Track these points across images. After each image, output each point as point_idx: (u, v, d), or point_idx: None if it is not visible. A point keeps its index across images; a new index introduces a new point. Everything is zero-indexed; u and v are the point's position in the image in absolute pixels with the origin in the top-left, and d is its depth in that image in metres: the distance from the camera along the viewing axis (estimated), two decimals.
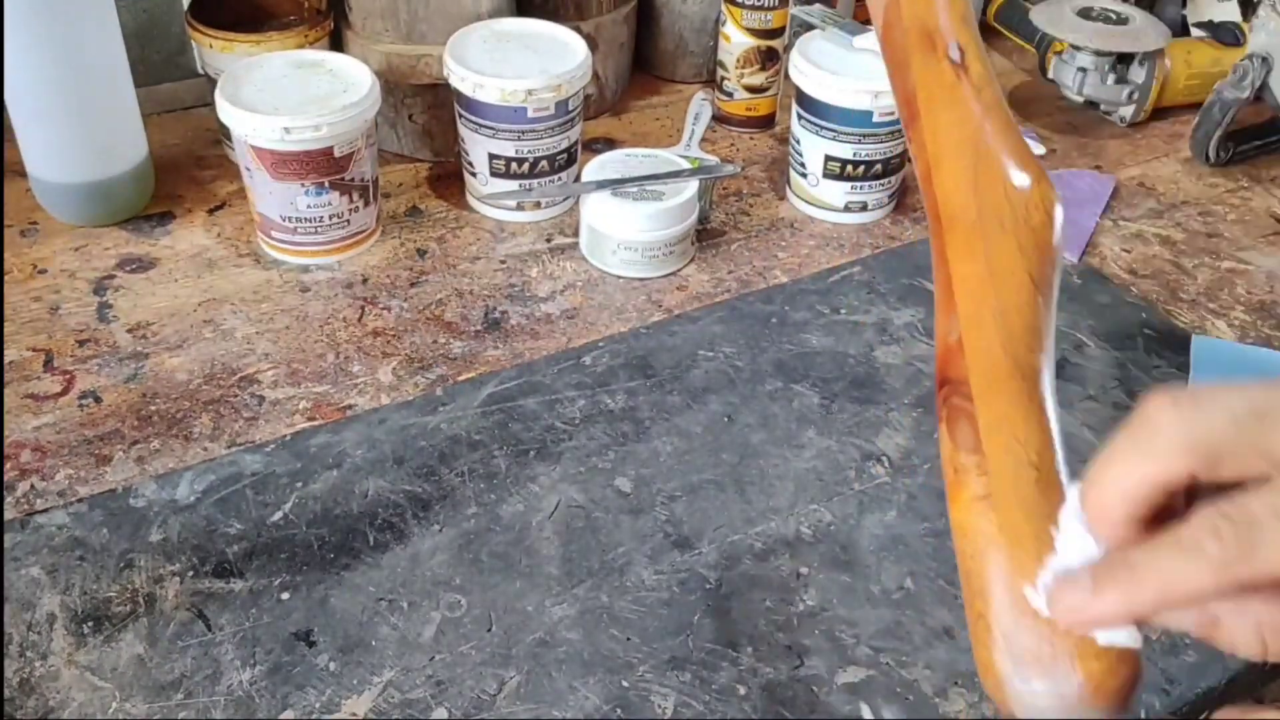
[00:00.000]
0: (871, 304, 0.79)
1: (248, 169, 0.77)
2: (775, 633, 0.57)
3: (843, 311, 0.78)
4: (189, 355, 0.72)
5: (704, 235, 0.85)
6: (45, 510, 0.61)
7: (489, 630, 0.56)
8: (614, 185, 0.79)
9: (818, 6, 0.95)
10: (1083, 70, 0.99)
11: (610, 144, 0.95)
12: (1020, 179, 0.35)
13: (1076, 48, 0.98)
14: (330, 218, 0.78)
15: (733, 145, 0.98)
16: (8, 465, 0.64)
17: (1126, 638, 0.31)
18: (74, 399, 0.68)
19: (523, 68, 0.81)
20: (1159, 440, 0.30)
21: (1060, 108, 1.05)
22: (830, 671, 0.55)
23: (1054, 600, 0.31)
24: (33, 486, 0.63)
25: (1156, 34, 0.98)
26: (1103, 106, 1.03)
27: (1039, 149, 0.98)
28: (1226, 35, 1.04)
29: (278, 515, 0.61)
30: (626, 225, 0.79)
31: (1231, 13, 1.09)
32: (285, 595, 0.57)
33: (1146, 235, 0.89)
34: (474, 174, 0.85)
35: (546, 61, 0.82)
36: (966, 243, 0.35)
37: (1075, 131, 1.02)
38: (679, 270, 0.82)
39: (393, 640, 0.55)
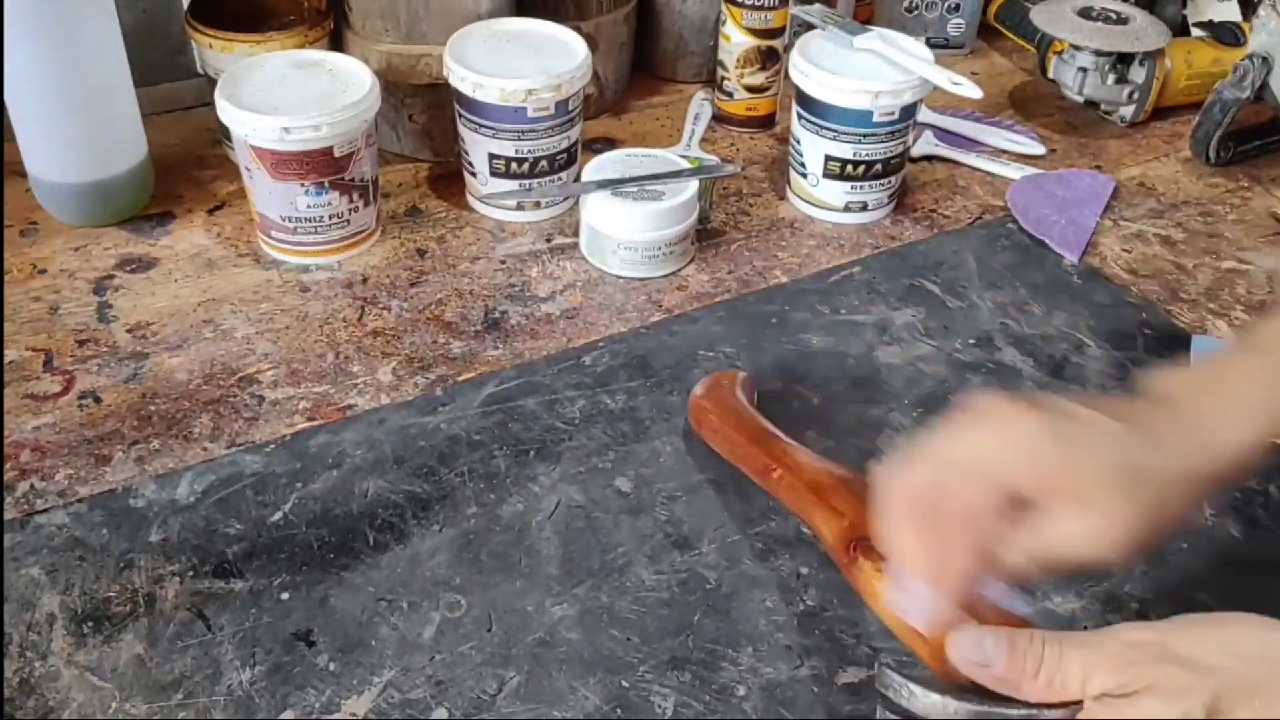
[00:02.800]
0: (872, 304, 0.79)
1: (247, 169, 0.77)
2: (775, 633, 0.57)
3: (843, 312, 0.78)
4: (189, 355, 0.72)
5: (704, 235, 0.85)
6: (45, 510, 0.61)
7: (489, 630, 0.56)
8: (614, 185, 0.79)
9: (818, 6, 0.95)
10: (1083, 70, 0.99)
11: (610, 144, 0.95)
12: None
13: (1076, 47, 0.98)
14: (330, 218, 0.78)
15: (733, 145, 0.98)
16: (7, 465, 0.64)
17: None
18: (74, 399, 0.68)
19: (523, 68, 0.81)
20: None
21: (1060, 107, 1.05)
22: (831, 672, 0.55)
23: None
24: (32, 486, 0.63)
25: (1156, 34, 0.98)
26: (1103, 106, 1.03)
27: (1039, 149, 0.98)
28: (1227, 35, 1.04)
29: (277, 515, 0.61)
30: (626, 225, 0.79)
31: (1231, 12, 1.09)
32: (285, 595, 0.57)
33: (1147, 235, 0.89)
34: (474, 174, 0.85)
35: (546, 61, 0.82)
36: (838, 496, 0.56)
37: (1075, 131, 1.02)
38: (679, 270, 0.82)
39: (392, 640, 0.55)
